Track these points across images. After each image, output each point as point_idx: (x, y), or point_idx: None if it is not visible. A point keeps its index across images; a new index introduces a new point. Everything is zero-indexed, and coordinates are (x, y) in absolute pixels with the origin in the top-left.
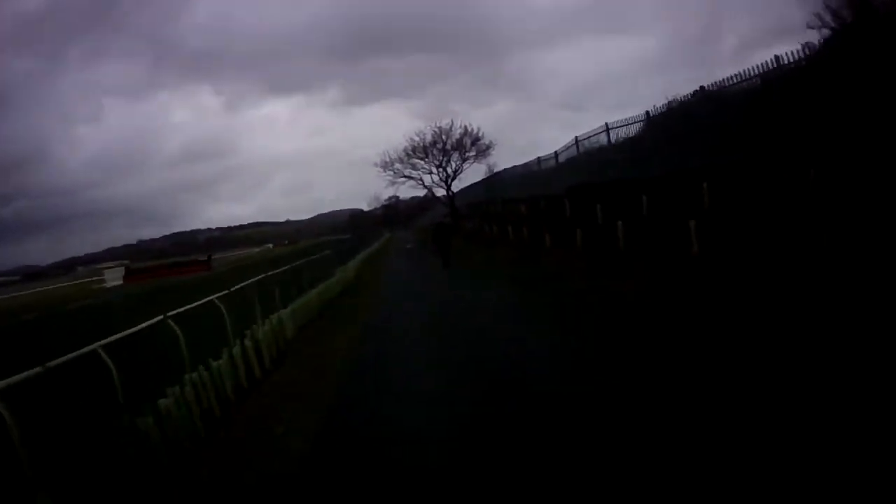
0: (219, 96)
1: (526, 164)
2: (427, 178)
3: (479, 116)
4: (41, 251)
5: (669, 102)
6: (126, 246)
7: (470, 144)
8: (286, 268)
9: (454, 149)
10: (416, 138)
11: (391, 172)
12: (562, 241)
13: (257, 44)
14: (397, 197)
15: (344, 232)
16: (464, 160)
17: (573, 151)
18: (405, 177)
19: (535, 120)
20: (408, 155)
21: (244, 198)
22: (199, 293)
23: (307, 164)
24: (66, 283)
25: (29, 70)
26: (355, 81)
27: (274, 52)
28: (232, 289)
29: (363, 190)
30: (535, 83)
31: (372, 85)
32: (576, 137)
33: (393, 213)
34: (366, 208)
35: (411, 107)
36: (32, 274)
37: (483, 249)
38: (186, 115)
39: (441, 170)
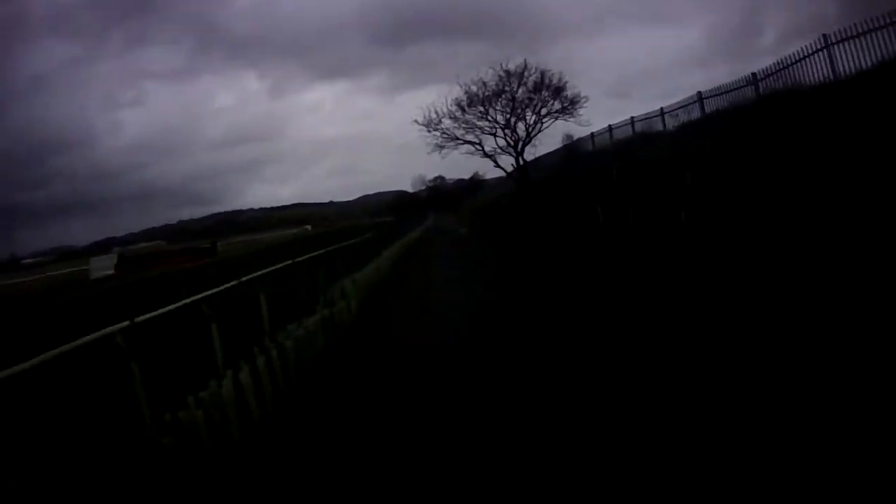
0: (263, 81)
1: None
2: (489, 143)
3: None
4: (83, 231)
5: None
6: (166, 225)
7: (550, 95)
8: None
9: (528, 100)
10: (474, 87)
11: (438, 133)
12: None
13: (302, 29)
14: (443, 177)
15: (387, 215)
16: (541, 117)
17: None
18: (457, 140)
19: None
20: (462, 109)
21: (288, 179)
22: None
23: (352, 148)
24: (63, 271)
25: (74, 54)
26: (400, 67)
27: (318, 37)
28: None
29: (409, 172)
30: (579, 72)
31: (416, 71)
32: (632, 117)
33: (438, 195)
34: (410, 190)
35: (456, 93)
36: (66, 254)
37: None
38: (230, 99)
39: (509, 131)
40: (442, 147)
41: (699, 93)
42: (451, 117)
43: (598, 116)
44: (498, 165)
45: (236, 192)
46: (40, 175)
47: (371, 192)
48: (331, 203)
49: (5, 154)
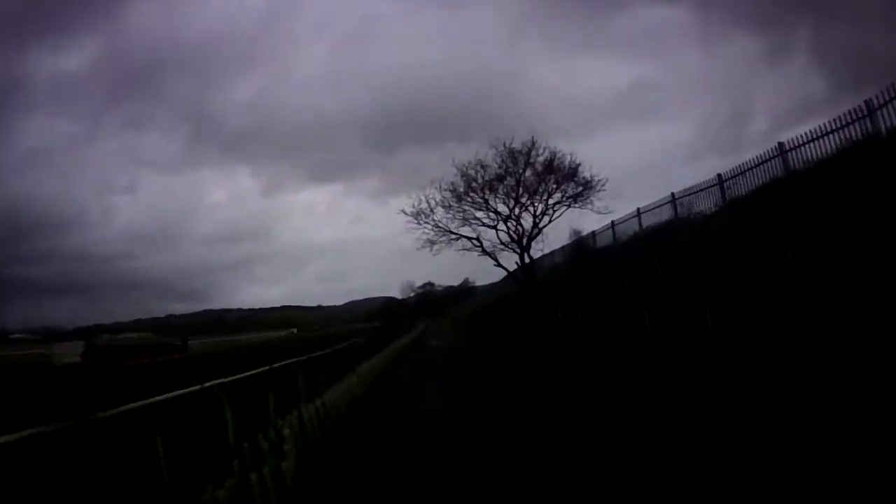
0: (257, 179)
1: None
2: (488, 238)
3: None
4: (73, 314)
5: None
6: (154, 319)
7: (562, 178)
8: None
9: (537, 185)
10: (472, 171)
11: (430, 226)
12: None
13: (295, 130)
14: (432, 283)
15: (373, 320)
16: (550, 206)
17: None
18: (451, 234)
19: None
20: (457, 197)
21: (277, 281)
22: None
23: (341, 253)
24: (26, 352)
25: (68, 133)
26: (392, 171)
27: (312, 139)
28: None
29: (398, 279)
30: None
31: (409, 174)
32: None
33: (427, 302)
34: (399, 296)
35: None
36: (52, 335)
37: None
38: (223, 195)
39: (512, 223)
40: (433, 243)
41: (671, 195)
42: (444, 206)
43: (592, 216)
44: (499, 264)
45: (225, 291)
46: (32, 252)
47: (359, 297)
48: (319, 307)
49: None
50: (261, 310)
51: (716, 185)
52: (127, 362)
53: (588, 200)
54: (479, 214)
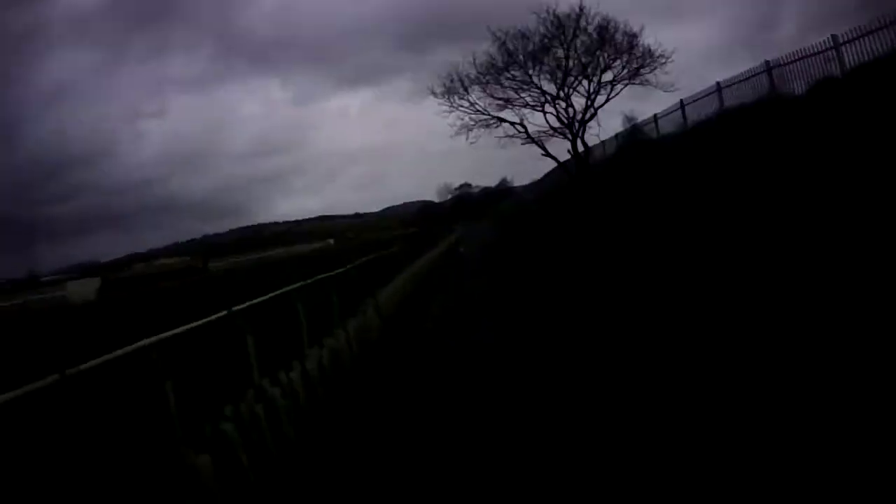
0: (286, 89)
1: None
2: (535, 119)
3: (541, 117)
4: (107, 246)
5: None
6: (191, 241)
7: (618, 50)
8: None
9: (589, 58)
10: (510, 44)
11: (464, 105)
12: None
13: (324, 36)
14: (469, 184)
15: (410, 227)
16: (608, 81)
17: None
18: (490, 117)
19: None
20: (496, 69)
21: (313, 191)
22: None
23: (377, 158)
24: (45, 296)
25: (93, 63)
26: (425, 71)
27: (342, 44)
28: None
29: (435, 182)
30: None
31: (442, 74)
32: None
33: (464, 204)
34: (436, 200)
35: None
36: (89, 270)
37: None
38: (254, 108)
39: (561, 102)
40: (470, 129)
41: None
42: (481, 83)
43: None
44: (547, 153)
45: (261, 206)
46: (62, 188)
47: (397, 202)
48: (356, 215)
49: (26, 166)
50: (297, 222)
51: (763, 72)
52: (144, 289)
53: (651, 74)
54: (523, 94)
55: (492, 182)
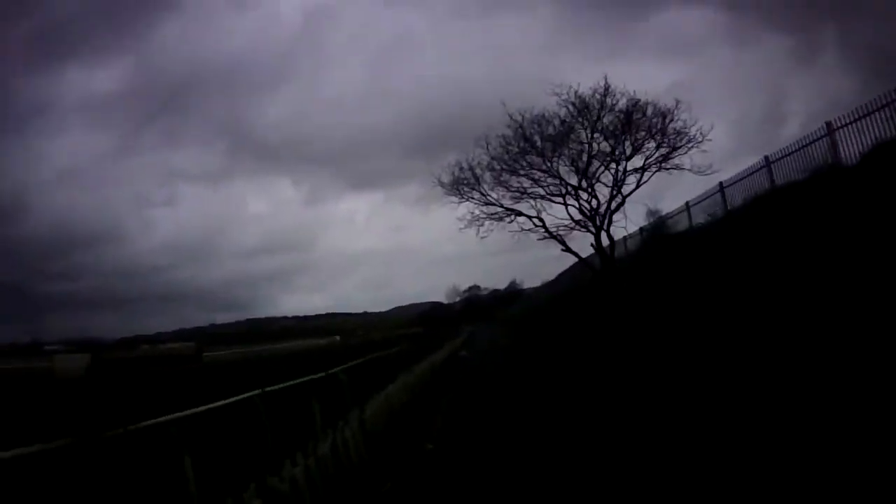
0: (297, 189)
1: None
2: (553, 211)
3: (561, 209)
4: (115, 325)
5: None
6: (197, 328)
7: (650, 130)
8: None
9: (614, 138)
10: (528, 128)
11: (475, 197)
12: None
13: (335, 142)
14: (477, 286)
15: (416, 326)
16: (637, 168)
17: None
18: (502, 209)
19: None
20: (510, 156)
21: (321, 289)
22: None
23: (386, 260)
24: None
25: (108, 148)
26: (434, 177)
27: (353, 148)
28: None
29: (444, 284)
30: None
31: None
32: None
33: (472, 306)
34: (444, 301)
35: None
36: (89, 345)
37: None
38: (264, 205)
39: (584, 194)
40: (480, 223)
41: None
42: (493, 171)
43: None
44: (567, 248)
45: (270, 300)
46: (75, 267)
47: (404, 303)
48: (364, 314)
49: (38, 243)
50: (305, 317)
51: (763, 167)
52: (137, 372)
53: (685, 156)
54: (541, 184)
55: (501, 284)
